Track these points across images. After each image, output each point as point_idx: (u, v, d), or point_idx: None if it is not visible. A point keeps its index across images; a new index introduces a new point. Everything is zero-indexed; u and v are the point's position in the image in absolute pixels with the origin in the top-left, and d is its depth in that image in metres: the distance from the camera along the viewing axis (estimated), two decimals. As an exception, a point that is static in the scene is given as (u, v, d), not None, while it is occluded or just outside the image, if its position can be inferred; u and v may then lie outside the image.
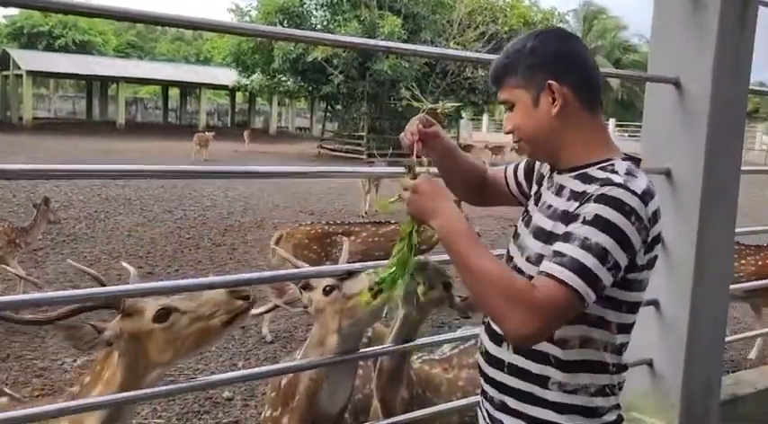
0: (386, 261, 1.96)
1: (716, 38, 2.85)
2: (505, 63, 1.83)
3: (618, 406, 1.85)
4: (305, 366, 2.50)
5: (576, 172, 1.78)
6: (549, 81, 1.74)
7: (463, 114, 41.32)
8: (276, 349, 6.79)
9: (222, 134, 34.13)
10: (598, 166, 1.75)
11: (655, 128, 3.15)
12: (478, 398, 2.02)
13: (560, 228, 1.68)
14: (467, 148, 31.96)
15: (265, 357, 6.56)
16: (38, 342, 6.67)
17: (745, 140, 3.35)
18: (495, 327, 1.88)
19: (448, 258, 1.74)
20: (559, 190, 1.81)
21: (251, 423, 5.20)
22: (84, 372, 2.28)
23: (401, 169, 1.89)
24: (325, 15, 32.03)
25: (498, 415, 1.87)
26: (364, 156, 30.14)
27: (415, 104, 2.13)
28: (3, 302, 1.94)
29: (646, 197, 1.65)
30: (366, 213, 14.56)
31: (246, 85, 36.24)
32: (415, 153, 1.93)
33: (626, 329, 1.79)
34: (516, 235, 1.92)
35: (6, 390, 2.54)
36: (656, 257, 1.75)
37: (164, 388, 2.18)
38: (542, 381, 1.77)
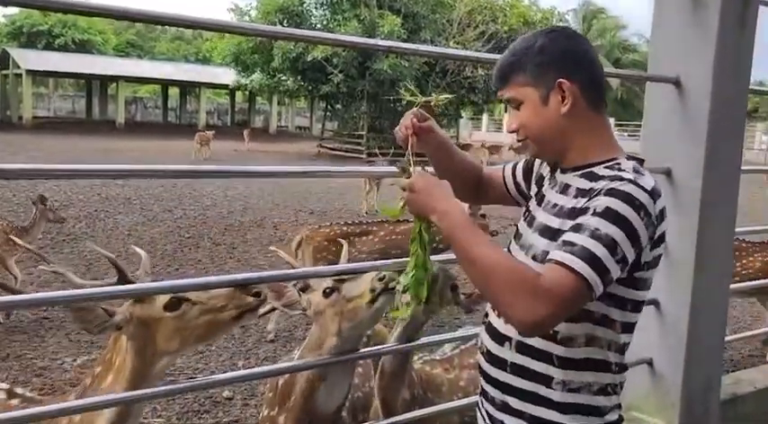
0: (380, 262, 1.95)
1: (716, 37, 2.85)
2: (512, 61, 1.82)
3: (619, 406, 1.85)
4: (305, 366, 2.49)
5: (582, 171, 1.78)
6: (560, 79, 1.74)
7: (463, 113, 41.30)
8: (276, 348, 6.79)
9: (222, 133, 34.13)
10: (604, 165, 1.76)
11: (655, 127, 3.15)
12: (478, 398, 2.01)
13: (568, 225, 1.67)
14: (465, 147, 31.93)
15: (265, 356, 6.55)
16: (37, 342, 6.67)
17: (744, 139, 3.34)
18: (496, 326, 1.88)
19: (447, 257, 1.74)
20: (564, 189, 1.81)
21: (251, 422, 5.20)
22: (85, 372, 2.28)
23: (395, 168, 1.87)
24: (325, 15, 32.04)
25: (500, 416, 1.87)
26: (364, 156, 30.15)
27: (409, 98, 2.12)
28: (2, 302, 1.93)
29: (654, 194, 1.65)
30: (366, 212, 14.56)
31: (246, 85, 36.22)
32: (410, 146, 1.92)
33: (630, 328, 1.79)
34: (518, 235, 1.91)
35: (17, 390, 2.54)
36: (660, 255, 1.75)
37: (164, 388, 2.18)
38: (546, 380, 1.77)
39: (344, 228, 8.18)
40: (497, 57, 1.98)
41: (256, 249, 11.02)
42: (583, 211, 1.64)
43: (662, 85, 3.04)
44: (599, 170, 1.75)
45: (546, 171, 2.00)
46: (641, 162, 1.79)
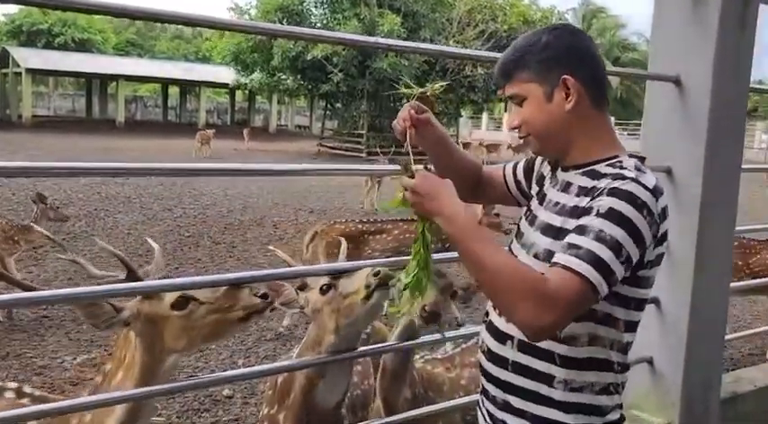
0: (374, 261, 1.94)
1: (716, 35, 2.84)
2: (516, 57, 1.81)
3: (620, 405, 1.85)
4: (305, 365, 2.49)
5: (584, 169, 1.78)
6: (565, 76, 1.73)
7: (463, 112, 41.31)
8: (276, 347, 6.79)
9: (222, 132, 34.12)
10: (605, 163, 1.76)
11: (655, 126, 3.14)
12: (479, 397, 2.01)
13: (570, 223, 1.67)
14: (464, 146, 31.98)
15: (265, 354, 6.55)
16: (37, 340, 6.66)
17: (744, 138, 3.34)
18: (497, 325, 1.88)
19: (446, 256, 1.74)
20: (566, 187, 1.80)
21: (251, 421, 5.20)
22: (85, 370, 2.28)
23: (398, 167, 1.85)
24: (325, 14, 32.07)
25: (501, 415, 1.86)
26: (364, 154, 30.15)
27: (405, 91, 2.10)
28: (2, 301, 1.93)
29: (656, 192, 1.65)
30: (367, 211, 14.57)
31: (246, 84, 36.21)
32: (408, 138, 1.90)
33: (633, 327, 1.79)
34: (519, 234, 1.90)
35: (26, 389, 2.55)
36: (662, 254, 1.75)
37: (166, 386, 2.17)
38: (548, 379, 1.76)
39: (359, 225, 8.23)
40: (497, 55, 1.97)
41: (256, 247, 11.02)
42: (586, 211, 1.63)
43: (662, 84, 3.04)
44: (601, 167, 1.75)
45: (546, 170, 1.99)
46: (642, 160, 1.79)
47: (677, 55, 2.98)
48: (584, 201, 1.69)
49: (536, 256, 1.76)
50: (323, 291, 2.41)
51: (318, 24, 31.40)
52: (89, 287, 2.03)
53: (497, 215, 7.94)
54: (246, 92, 45.93)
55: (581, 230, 1.60)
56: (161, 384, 2.16)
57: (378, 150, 25.85)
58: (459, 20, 31.38)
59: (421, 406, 2.74)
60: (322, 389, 2.48)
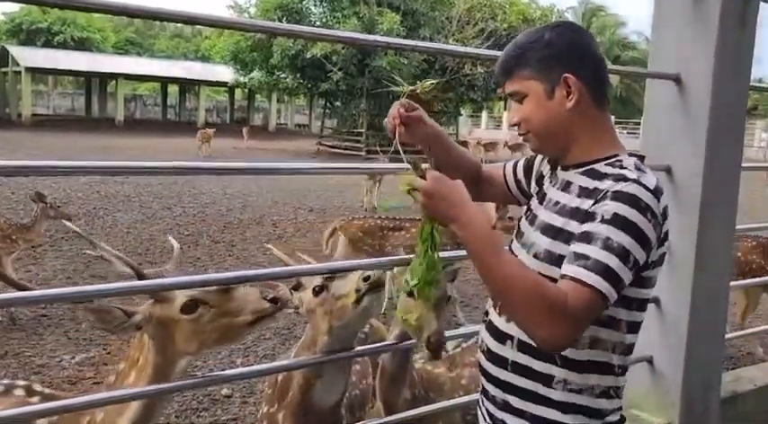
0: (367, 260, 1.92)
1: (717, 34, 2.84)
2: (518, 54, 1.79)
3: (620, 407, 1.84)
4: (303, 365, 2.49)
5: (583, 168, 1.77)
6: (566, 74, 1.72)
7: (462, 111, 41.32)
8: (275, 346, 6.78)
9: (221, 131, 34.13)
10: (605, 162, 1.75)
11: (655, 124, 3.14)
12: (479, 397, 2.00)
13: (572, 225, 1.67)
14: (462, 145, 31.87)
15: (264, 353, 6.55)
16: (36, 339, 6.66)
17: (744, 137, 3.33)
18: (497, 324, 1.87)
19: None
20: (566, 187, 1.79)
21: (249, 420, 5.19)
22: (83, 369, 2.27)
23: (399, 166, 1.84)
24: (324, 12, 32.11)
25: (501, 415, 1.85)
26: (363, 153, 30.15)
27: (395, 89, 2.09)
28: (2, 300, 1.93)
29: (657, 192, 1.65)
30: (366, 210, 14.57)
31: (245, 83, 36.20)
32: (398, 136, 1.89)
33: (635, 328, 1.78)
34: (520, 234, 1.89)
35: (36, 387, 2.54)
36: (665, 253, 1.75)
37: (166, 386, 2.17)
38: (546, 379, 1.75)
39: (378, 221, 8.29)
40: (497, 53, 1.96)
41: (255, 246, 11.01)
42: (590, 216, 1.62)
43: (662, 82, 3.03)
44: (600, 167, 1.74)
45: (546, 168, 1.98)
46: (642, 159, 1.78)
47: (677, 53, 2.98)
48: (585, 203, 1.67)
49: (536, 256, 1.75)
50: (315, 292, 2.41)
51: (318, 23, 31.42)
52: (88, 287, 2.02)
53: (511, 218, 7.93)
54: (246, 90, 45.91)
55: (587, 238, 1.59)
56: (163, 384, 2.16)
57: (377, 149, 25.85)
58: (458, 18, 31.38)
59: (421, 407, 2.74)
60: (319, 389, 2.48)
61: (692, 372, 3.05)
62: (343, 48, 28.51)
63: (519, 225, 1.93)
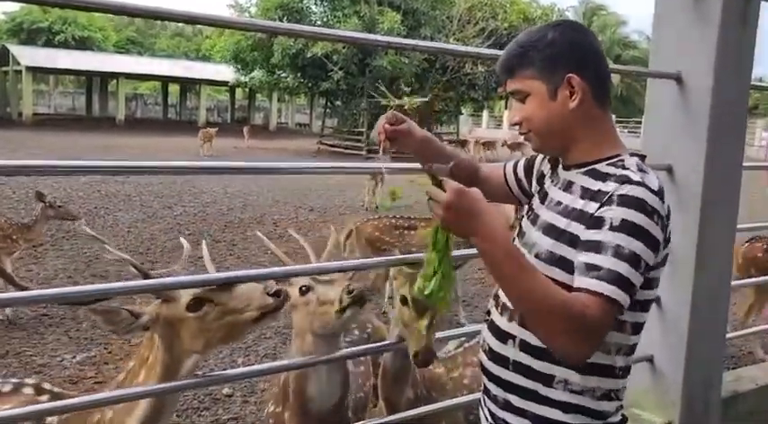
0: (361, 261, 1.92)
1: (718, 33, 2.83)
2: (520, 53, 1.78)
3: (621, 406, 1.84)
4: (306, 364, 2.49)
5: (585, 168, 1.77)
6: (570, 74, 1.72)
7: (463, 110, 41.31)
8: (276, 345, 6.78)
9: (222, 130, 34.03)
10: (607, 162, 1.75)
11: (656, 123, 3.14)
12: (481, 396, 2.00)
13: (575, 227, 1.67)
14: (462, 144, 32.10)
15: (265, 353, 6.54)
16: (37, 339, 6.66)
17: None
18: (499, 324, 1.87)
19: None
20: (567, 187, 1.79)
21: (251, 419, 5.20)
22: (84, 368, 2.28)
23: (400, 166, 1.83)
24: (325, 11, 32.11)
25: (502, 414, 1.85)
26: (364, 152, 30.15)
27: (384, 102, 2.10)
28: (2, 299, 1.93)
29: (661, 194, 1.65)
30: (367, 209, 14.59)
31: (246, 82, 36.19)
32: (381, 151, 1.91)
33: (639, 328, 1.78)
34: (521, 233, 1.89)
35: (45, 385, 2.55)
36: (668, 253, 1.75)
37: (168, 385, 2.17)
38: (547, 379, 1.75)
39: (393, 220, 8.34)
40: (498, 52, 1.96)
41: (256, 246, 11.00)
42: (597, 222, 1.62)
43: (663, 82, 3.03)
44: (602, 167, 1.74)
45: (547, 168, 1.98)
46: (643, 158, 1.78)
47: (678, 52, 2.97)
48: (590, 206, 1.67)
49: (537, 256, 1.75)
50: (302, 292, 2.44)
51: (318, 22, 31.43)
52: (89, 286, 2.03)
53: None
54: (246, 89, 45.90)
55: (597, 247, 1.58)
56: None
57: (378, 148, 25.87)
58: (459, 17, 31.36)
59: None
60: (314, 387, 2.50)
61: (693, 371, 3.05)
62: (343, 48, 28.52)
63: (521, 225, 1.93)
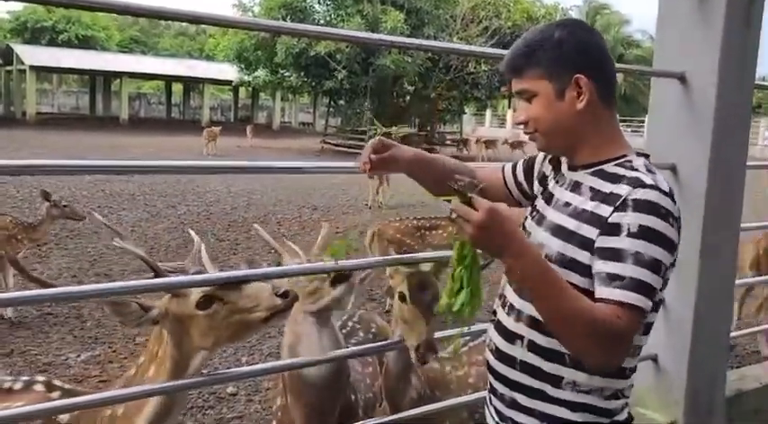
0: (373, 259, 1.92)
1: (722, 32, 2.83)
2: (527, 52, 1.77)
3: (627, 404, 1.85)
4: (308, 363, 2.50)
5: (593, 169, 1.77)
6: (578, 75, 1.71)
7: (466, 109, 41.30)
8: (280, 343, 6.77)
9: (225, 129, 34.02)
10: (614, 163, 1.74)
11: (660, 122, 3.13)
12: (486, 395, 2.00)
13: (587, 230, 1.67)
14: (464, 143, 32.13)
15: (269, 352, 6.55)
16: (42, 337, 6.68)
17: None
18: (506, 324, 1.87)
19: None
20: (575, 187, 1.79)
21: (255, 418, 5.20)
22: (88, 367, 2.29)
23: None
24: (328, 11, 32.10)
25: (509, 413, 1.86)
26: (367, 152, 30.12)
27: (370, 128, 2.12)
28: (3, 299, 1.94)
29: (673, 196, 1.66)
30: (371, 208, 14.60)
31: (249, 81, 36.19)
32: (367, 175, 1.94)
33: (649, 329, 1.79)
34: (526, 233, 1.88)
35: (56, 382, 2.56)
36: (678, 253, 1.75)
37: (175, 383, 2.18)
38: (555, 380, 1.76)
39: (414, 221, 8.46)
40: (502, 52, 1.97)
41: (260, 245, 11.01)
42: (614, 228, 1.61)
43: (667, 81, 3.03)
44: (610, 167, 1.74)
45: (548, 169, 1.98)
46: (646, 157, 1.78)
47: (683, 52, 2.97)
48: (602, 209, 1.66)
49: (547, 257, 1.73)
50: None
51: (321, 21, 31.42)
52: (92, 286, 2.04)
53: None
54: (250, 89, 45.92)
55: (617, 256, 1.59)
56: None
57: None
58: (462, 16, 31.36)
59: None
60: (306, 354, 2.52)
61: (697, 370, 3.05)
62: (347, 47, 28.51)
63: (524, 225, 1.92)
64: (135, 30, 70.15)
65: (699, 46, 2.90)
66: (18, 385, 2.51)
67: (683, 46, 2.97)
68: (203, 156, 24.35)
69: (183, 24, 58.39)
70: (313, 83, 33.17)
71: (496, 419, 1.91)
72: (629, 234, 1.59)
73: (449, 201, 1.64)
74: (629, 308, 1.54)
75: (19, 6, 56.61)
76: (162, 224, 12.46)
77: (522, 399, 1.82)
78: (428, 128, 36.01)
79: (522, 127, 1.84)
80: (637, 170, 1.69)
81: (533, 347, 1.78)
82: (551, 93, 1.74)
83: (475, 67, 30.62)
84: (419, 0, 30.82)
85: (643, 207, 1.60)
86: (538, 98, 1.76)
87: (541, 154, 2.04)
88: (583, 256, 1.67)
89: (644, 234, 1.58)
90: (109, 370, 5.91)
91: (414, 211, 13.02)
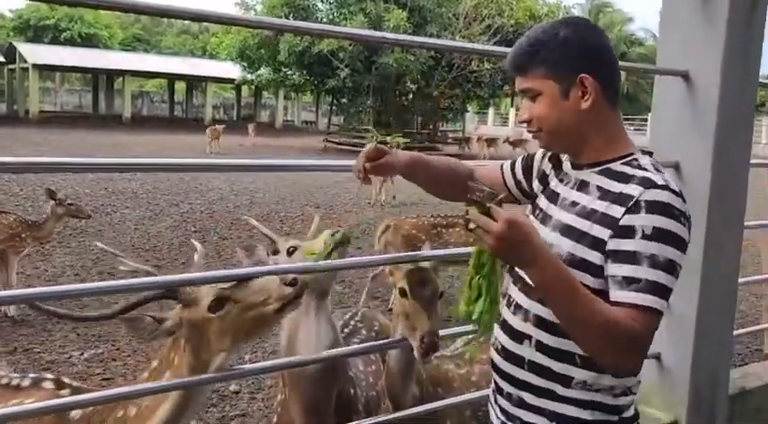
0: (359, 258, 1.93)
1: (725, 30, 2.83)
2: (531, 51, 1.75)
3: (633, 400, 1.85)
4: (310, 361, 2.51)
5: (599, 168, 1.76)
6: (583, 74, 1.70)
7: (469, 108, 41.26)
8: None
9: (228, 127, 34.04)
10: (621, 161, 1.74)
11: (663, 121, 3.13)
12: (490, 393, 2.00)
13: (598, 231, 1.67)
14: (466, 141, 32.12)
15: (272, 350, 6.55)
16: (45, 335, 6.68)
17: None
18: (512, 324, 1.86)
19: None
20: (582, 186, 1.78)
21: (258, 416, 5.21)
22: (92, 365, 2.30)
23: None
24: (331, 9, 32.07)
25: (517, 412, 1.85)
26: (370, 150, 30.13)
27: (366, 137, 2.13)
28: (3, 297, 1.94)
29: (682, 194, 1.67)
30: (373, 206, 14.60)
31: (252, 80, 36.18)
32: (362, 184, 1.96)
33: (657, 328, 1.78)
34: None
35: (65, 380, 2.57)
36: None
37: (177, 382, 2.18)
38: (565, 380, 1.76)
39: (431, 219, 8.40)
40: (504, 50, 1.96)
41: (263, 244, 10.99)
42: (627, 230, 1.62)
43: (671, 79, 3.03)
44: (617, 166, 1.74)
45: (548, 167, 1.97)
46: (650, 155, 1.78)
47: (686, 50, 2.97)
48: (613, 209, 1.66)
49: None
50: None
51: (324, 19, 31.39)
52: (95, 284, 2.05)
53: None
54: (253, 87, 45.91)
55: (632, 258, 1.60)
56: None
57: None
58: (465, 15, 31.30)
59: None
60: (303, 340, 2.62)
61: (700, 368, 3.05)
62: (349, 45, 28.50)
63: None
64: (138, 29, 70.20)
65: (702, 45, 2.90)
66: (26, 382, 2.52)
67: (686, 45, 2.97)
68: (206, 155, 24.39)
69: (186, 23, 58.50)
70: (316, 82, 33.17)
71: (502, 418, 1.91)
72: (644, 236, 1.59)
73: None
74: (645, 310, 1.56)
75: (22, 4, 56.70)
76: (165, 222, 12.47)
77: (529, 398, 1.82)
78: (431, 127, 36.02)
79: (525, 125, 1.84)
80: (645, 169, 1.69)
81: (542, 347, 1.78)
82: (556, 93, 1.73)
83: (478, 66, 30.58)
84: (422, -2, 30.84)
85: (656, 208, 1.61)
86: (542, 97, 1.75)
87: (540, 152, 2.03)
88: (594, 256, 1.67)
89: (658, 235, 1.59)
90: (112, 368, 5.92)
91: (416, 209, 13.03)
